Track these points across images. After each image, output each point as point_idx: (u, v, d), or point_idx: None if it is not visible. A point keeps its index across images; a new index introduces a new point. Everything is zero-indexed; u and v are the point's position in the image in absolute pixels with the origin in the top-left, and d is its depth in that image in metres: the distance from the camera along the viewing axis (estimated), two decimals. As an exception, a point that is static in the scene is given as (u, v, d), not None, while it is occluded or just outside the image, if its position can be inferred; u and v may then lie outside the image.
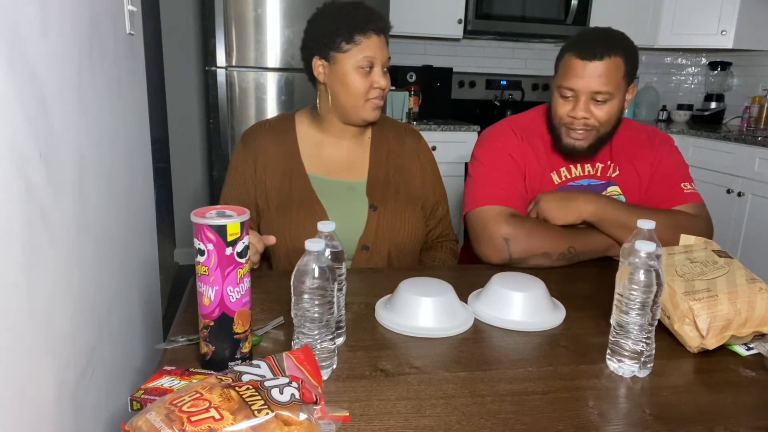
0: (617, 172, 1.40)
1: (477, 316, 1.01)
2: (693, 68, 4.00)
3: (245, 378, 0.66)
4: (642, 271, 0.80)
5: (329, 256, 0.83)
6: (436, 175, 1.46)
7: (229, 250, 0.75)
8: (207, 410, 0.60)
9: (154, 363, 0.97)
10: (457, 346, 0.92)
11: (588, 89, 1.25)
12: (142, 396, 0.70)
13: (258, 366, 0.70)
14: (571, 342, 0.94)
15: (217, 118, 2.65)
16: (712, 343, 0.88)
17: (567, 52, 1.29)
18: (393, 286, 1.02)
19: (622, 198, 1.38)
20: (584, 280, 1.21)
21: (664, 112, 3.73)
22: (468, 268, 1.34)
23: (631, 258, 0.81)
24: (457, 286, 1.03)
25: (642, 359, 0.83)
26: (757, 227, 2.82)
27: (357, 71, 1.24)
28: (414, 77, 3.39)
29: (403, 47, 3.42)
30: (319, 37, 1.26)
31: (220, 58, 2.58)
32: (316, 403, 0.65)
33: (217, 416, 0.59)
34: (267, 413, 0.60)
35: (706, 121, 3.64)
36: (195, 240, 0.76)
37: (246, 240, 0.77)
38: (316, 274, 0.76)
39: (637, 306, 0.81)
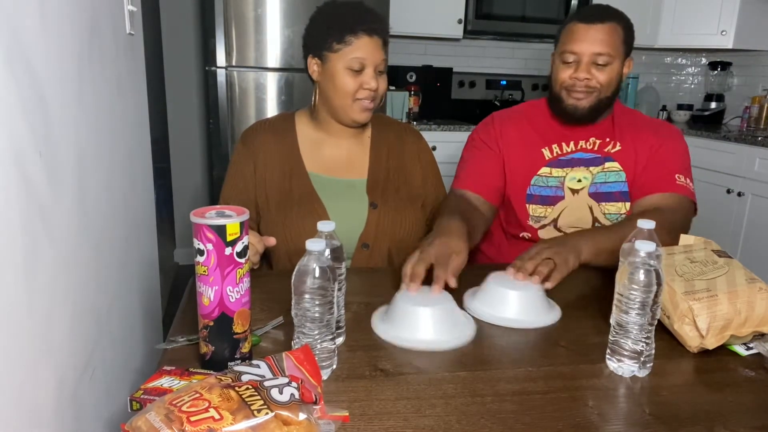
0: (618, 148, 1.41)
1: (473, 314, 1.01)
2: (693, 68, 4.00)
3: (245, 378, 0.66)
4: (642, 271, 0.80)
5: (329, 256, 0.83)
6: (437, 174, 1.46)
7: (228, 250, 0.75)
8: (206, 410, 0.60)
9: (154, 363, 0.97)
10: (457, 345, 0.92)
11: (590, 51, 1.31)
12: (142, 396, 0.70)
13: (258, 366, 0.70)
14: (571, 342, 0.94)
15: (217, 118, 2.65)
16: (711, 343, 0.88)
17: (570, 21, 1.36)
18: (393, 285, 1.02)
19: (622, 174, 1.40)
20: (584, 280, 1.21)
21: (664, 112, 3.73)
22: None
23: (631, 258, 0.81)
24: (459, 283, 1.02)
25: (642, 359, 0.83)
26: (757, 227, 2.82)
27: (346, 72, 1.24)
28: (414, 77, 3.39)
29: (403, 47, 3.42)
30: (314, 36, 1.28)
31: (220, 58, 2.58)
32: (315, 403, 0.65)
33: (217, 416, 0.59)
34: (266, 413, 0.60)
35: (706, 121, 3.64)
36: (194, 240, 0.76)
37: (245, 240, 0.77)
38: (317, 274, 0.76)
39: (636, 306, 0.81)
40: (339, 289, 0.88)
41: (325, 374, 0.79)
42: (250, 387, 0.63)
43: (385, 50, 1.27)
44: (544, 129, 1.45)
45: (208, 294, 0.77)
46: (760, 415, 0.76)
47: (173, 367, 0.77)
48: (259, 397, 0.62)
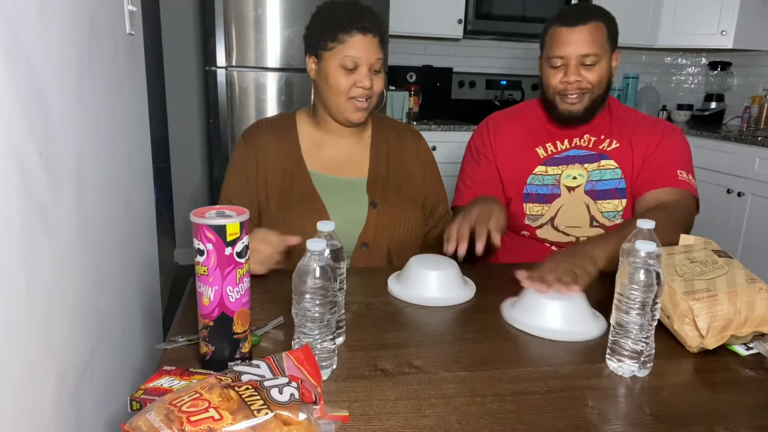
0: (615, 146, 1.42)
1: (512, 323, 0.99)
2: (693, 68, 4.00)
3: (245, 378, 0.66)
4: (642, 271, 0.80)
5: (329, 256, 0.83)
6: (436, 175, 1.47)
7: (228, 250, 0.75)
8: (206, 410, 0.60)
9: (154, 363, 0.97)
10: (457, 345, 0.92)
11: (576, 53, 1.32)
12: (142, 396, 0.70)
13: (257, 366, 0.70)
14: (571, 342, 0.94)
15: (217, 118, 2.65)
16: (711, 343, 0.88)
17: (551, 25, 1.36)
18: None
19: (618, 171, 1.40)
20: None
21: (664, 112, 3.73)
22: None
23: (631, 258, 0.81)
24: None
25: (642, 359, 0.83)
26: (757, 227, 2.82)
27: (339, 70, 1.24)
28: (414, 77, 3.39)
29: (403, 47, 3.42)
30: (311, 34, 1.29)
31: (220, 58, 2.58)
32: (315, 402, 0.65)
33: (217, 416, 0.59)
34: (266, 413, 0.60)
35: (706, 121, 3.64)
36: (194, 240, 0.76)
37: (245, 240, 0.77)
38: (318, 274, 0.76)
39: (636, 306, 0.81)
40: (339, 289, 0.88)
41: (325, 374, 0.79)
42: (250, 387, 0.63)
43: (382, 49, 1.27)
44: (537, 128, 1.47)
45: (208, 294, 0.77)
46: (760, 415, 0.76)
47: (173, 367, 0.77)
48: (259, 397, 0.62)
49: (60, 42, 0.83)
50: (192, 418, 0.59)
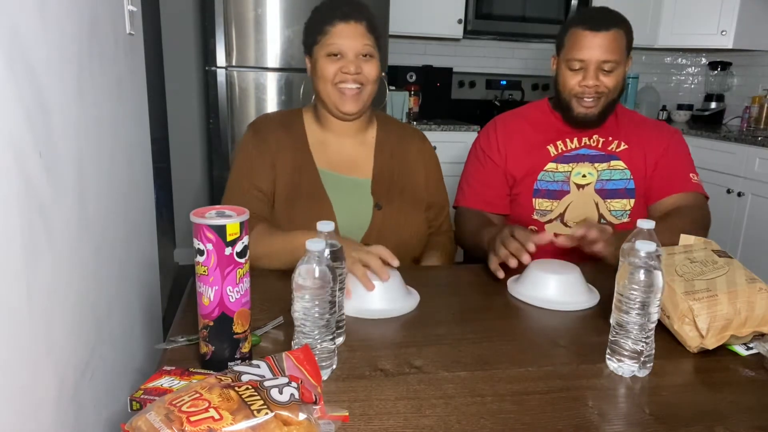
0: (623, 147, 1.45)
1: (515, 295, 1.10)
2: (693, 68, 4.00)
3: (245, 378, 0.66)
4: (642, 271, 0.80)
5: (329, 256, 0.83)
6: (439, 178, 1.47)
7: (228, 250, 0.75)
8: (206, 410, 0.60)
9: (154, 363, 0.97)
10: (457, 345, 0.92)
11: (597, 59, 1.34)
12: (142, 396, 0.70)
13: (257, 366, 0.70)
14: (571, 342, 0.94)
15: (217, 118, 2.65)
16: (711, 343, 0.88)
17: (574, 26, 1.37)
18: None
19: (627, 172, 1.44)
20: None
21: (664, 112, 3.73)
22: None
23: (631, 258, 0.81)
24: (457, 283, 1.03)
25: (642, 359, 0.83)
26: (757, 227, 2.81)
27: (326, 59, 1.26)
28: (414, 77, 3.39)
29: (403, 47, 3.41)
30: (304, 35, 1.32)
31: (220, 58, 2.58)
32: (315, 403, 0.65)
33: (217, 416, 0.59)
34: (266, 413, 0.60)
35: (706, 121, 3.64)
36: (194, 240, 0.76)
37: (245, 240, 0.77)
38: (317, 274, 0.76)
39: (636, 306, 0.81)
40: (339, 289, 0.88)
41: (325, 374, 0.79)
42: (250, 387, 0.63)
43: (370, 36, 1.27)
44: (546, 129, 1.48)
45: (208, 294, 0.77)
46: (760, 415, 0.76)
47: (173, 367, 0.76)
48: (259, 397, 0.62)
49: (60, 42, 0.83)
50: (192, 418, 0.59)
